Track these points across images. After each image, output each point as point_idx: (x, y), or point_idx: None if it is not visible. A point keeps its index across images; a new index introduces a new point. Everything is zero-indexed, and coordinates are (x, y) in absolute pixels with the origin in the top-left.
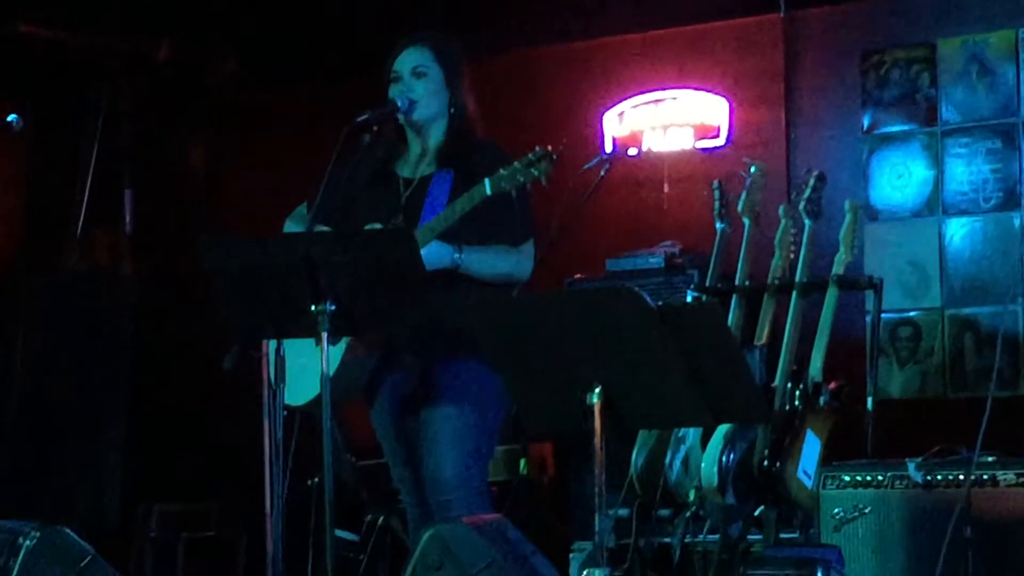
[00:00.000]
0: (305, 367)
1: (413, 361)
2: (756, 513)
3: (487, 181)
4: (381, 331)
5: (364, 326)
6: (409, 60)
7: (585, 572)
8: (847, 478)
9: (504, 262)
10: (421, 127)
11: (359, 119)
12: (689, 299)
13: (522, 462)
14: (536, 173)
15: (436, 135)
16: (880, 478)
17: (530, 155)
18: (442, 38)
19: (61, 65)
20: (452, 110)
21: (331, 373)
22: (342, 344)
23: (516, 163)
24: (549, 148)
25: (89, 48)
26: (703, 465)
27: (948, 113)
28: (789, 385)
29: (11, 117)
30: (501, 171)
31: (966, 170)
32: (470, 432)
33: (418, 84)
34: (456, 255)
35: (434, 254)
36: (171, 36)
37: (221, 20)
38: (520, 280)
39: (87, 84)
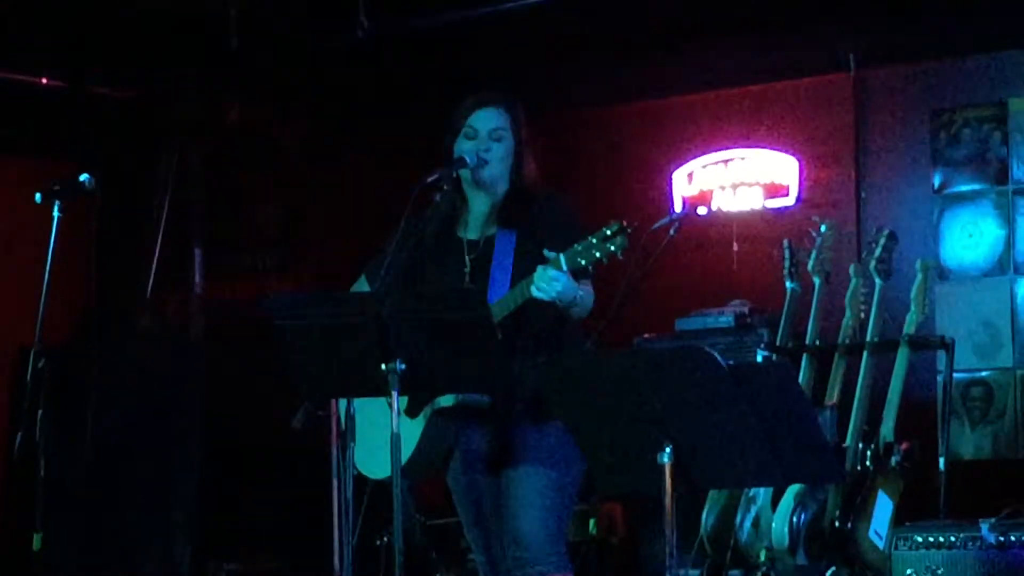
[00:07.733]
0: (383, 440)
1: (489, 422)
2: (828, 574)
3: (562, 257)
4: (457, 393)
5: (434, 387)
6: (488, 120)
7: None
8: (919, 539)
9: (588, 298)
10: (485, 186)
11: (430, 178)
12: (759, 358)
13: (591, 522)
14: (612, 248)
15: (497, 195)
16: (953, 539)
17: (606, 229)
18: (515, 104)
19: (133, 125)
20: (514, 176)
21: (412, 447)
22: (421, 418)
23: (592, 238)
24: (624, 222)
25: (161, 108)
26: (774, 525)
27: (1019, 172)
28: (860, 445)
29: (83, 177)
30: (576, 247)
31: None
32: (553, 491)
33: (496, 146)
34: (579, 292)
35: (570, 289)
36: (242, 98)
37: (291, 82)
38: (586, 315)
39: (158, 144)
